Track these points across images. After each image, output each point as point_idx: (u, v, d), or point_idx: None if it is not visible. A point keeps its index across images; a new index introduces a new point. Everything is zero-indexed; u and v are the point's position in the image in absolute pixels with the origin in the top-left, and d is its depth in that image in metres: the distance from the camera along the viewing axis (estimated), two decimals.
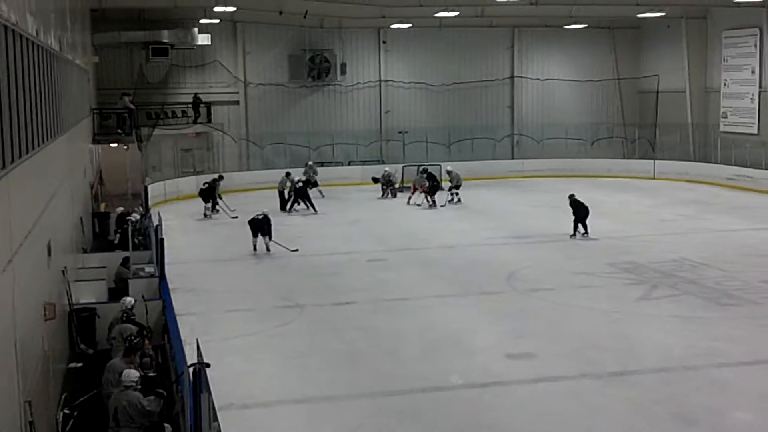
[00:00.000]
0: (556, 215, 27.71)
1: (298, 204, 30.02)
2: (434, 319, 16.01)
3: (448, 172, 31.70)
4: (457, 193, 31.05)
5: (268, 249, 22.95)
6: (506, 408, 11.57)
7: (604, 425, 10.87)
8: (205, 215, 29.28)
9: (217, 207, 29.62)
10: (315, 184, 32.76)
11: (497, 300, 17.45)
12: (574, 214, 23.97)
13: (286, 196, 30.46)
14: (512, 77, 42.05)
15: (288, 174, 31.44)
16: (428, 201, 30.23)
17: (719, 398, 11.64)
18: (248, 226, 23.18)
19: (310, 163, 34.52)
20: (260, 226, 22.97)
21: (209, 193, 29.67)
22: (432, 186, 30.61)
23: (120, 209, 22.26)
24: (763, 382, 12.25)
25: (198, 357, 8.44)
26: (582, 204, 24.07)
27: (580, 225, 23.88)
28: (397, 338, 14.82)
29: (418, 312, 16.67)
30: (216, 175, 31.17)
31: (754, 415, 11.11)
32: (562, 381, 12.51)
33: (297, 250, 22.87)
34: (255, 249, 23.01)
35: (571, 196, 24.39)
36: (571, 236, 23.81)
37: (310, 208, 29.62)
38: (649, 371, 12.79)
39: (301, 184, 30.80)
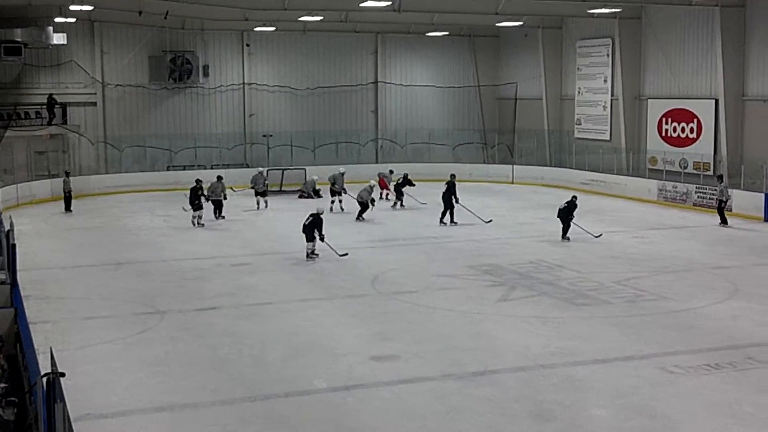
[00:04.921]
0: (420, 218, 28.18)
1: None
2: (299, 324, 15.96)
3: (342, 174, 31.17)
4: (340, 200, 30.56)
5: (308, 255, 21.85)
6: (369, 410, 11.63)
7: (465, 425, 11.06)
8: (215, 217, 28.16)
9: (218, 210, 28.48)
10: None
11: (362, 303, 17.54)
12: (567, 215, 24.20)
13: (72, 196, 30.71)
14: (376, 82, 42.48)
15: (67, 173, 31.39)
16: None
17: (575, 395, 12.03)
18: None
19: (261, 170, 33.07)
20: (308, 230, 21.83)
21: (216, 201, 28.29)
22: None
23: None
24: (616, 378, 12.74)
25: (52, 366, 8.15)
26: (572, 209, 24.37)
27: (563, 228, 24.25)
28: (261, 343, 14.69)
29: (282, 316, 16.58)
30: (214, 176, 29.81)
31: (608, 411, 11.53)
32: (424, 382, 12.67)
33: (346, 254, 22.01)
34: (309, 255, 21.87)
35: (575, 198, 24.76)
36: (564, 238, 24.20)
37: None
38: (508, 370, 13.11)
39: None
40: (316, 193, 34.27)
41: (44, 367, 9.36)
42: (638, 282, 19.21)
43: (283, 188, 35.82)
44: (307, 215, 22.13)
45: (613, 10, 33.61)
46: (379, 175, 33.25)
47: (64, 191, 30.85)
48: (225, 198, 28.57)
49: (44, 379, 8.31)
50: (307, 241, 21.78)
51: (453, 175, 28.27)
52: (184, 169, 38.19)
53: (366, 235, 25.46)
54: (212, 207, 28.09)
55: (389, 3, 30.73)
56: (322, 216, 22.00)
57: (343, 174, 31.01)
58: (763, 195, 27.89)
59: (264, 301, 17.72)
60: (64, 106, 36.04)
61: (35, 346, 11.57)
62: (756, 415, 11.26)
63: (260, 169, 33.09)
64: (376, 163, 41.34)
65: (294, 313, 16.79)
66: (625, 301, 17.52)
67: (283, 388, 12.39)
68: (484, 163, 41.95)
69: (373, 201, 28.68)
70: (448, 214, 27.04)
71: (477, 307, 17.04)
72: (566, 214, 24.30)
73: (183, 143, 38.89)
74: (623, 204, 32.12)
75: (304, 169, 36.80)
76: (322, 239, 21.68)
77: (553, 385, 12.41)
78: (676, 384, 12.45)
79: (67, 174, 31.52)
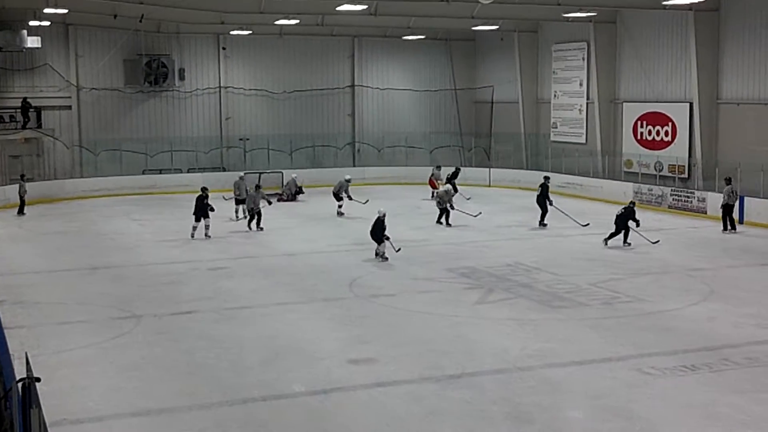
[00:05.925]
0: (397, 221, 28.17)
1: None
2: (277, 327, 15.92)
3: (348, 181, 30.84)
4: (340, 206, 30.23)
5: (377, 254, 22.08)
6: (348, 414, 11.62)
7: (443, 427, 11.07)
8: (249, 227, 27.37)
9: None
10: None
11: (340, 306, 17.52)
12: (624, 221, 23.98)
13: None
14: (353, 86, 42.48)
15: (22, 177, 31.87)
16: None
17: (552, 397, 12.07)
18: None
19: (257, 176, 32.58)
20: (374, 233, 22.12)
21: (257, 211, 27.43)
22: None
23: None
24: (592, 380, 12.79)
25: (27, 371, 8.08)
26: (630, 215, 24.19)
27: (623, 233, 24.03)
28: (239, 347, 14.63)
29: (260, 320, 16.53)
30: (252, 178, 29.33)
31: (585, 412, 11.58)
32: (402, 385, 12.67)
33: (400, 249, 22.33)
34: (377, 255, 22.09)
35: (633, 204, 24.88)
36: (626, 243, 24.05)
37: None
38: (486, 373, 13.13)
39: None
40: (299, 191, 34.22)
41: (19, 373, 9.28)
42: (614, 284, 19.31)
43: None
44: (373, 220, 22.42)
45: (589, 14, 33.81)
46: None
47: (20, 194, 30.97)
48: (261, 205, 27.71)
49: (19, 385, 8.24)
50: (378, 243, 22.11)
51: (547, 178, 28.44)
52: (160, 172, 38.06)
53: (343, 238, 25.44)
54: (256, 218, 27.28)
55: (366, 7, 30.73)
56: (383, 218, 22.31)
57: (348, 181, 30.75)
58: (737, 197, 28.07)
59: (242, 305, 17.66)
60: (38, 110, 35.79)
61: (10, 352, 11.47)
62: (732, 415, 11.34)
63: (240, 174, 32.88)
64: (354, 166, 41.35)
65: (272, 317, 16.75)
66: (601, 303, 17.60)
67: (261, 392, 12.36)
68: (461, 166, 41.98)
69: (452, 205, 28.19)
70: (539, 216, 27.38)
71: (455, 309, 17.06)
72: (624, 220, 24.13)
73: (159, 147, 38.71)
74: (599, 207, 32.24)
75: (281, 173, 36.73)
76: (387, 239, 22.07)
77: (531, 388, 12.45)
78: (652, 385, 12.51)
79: (22, 177, 31.75)
